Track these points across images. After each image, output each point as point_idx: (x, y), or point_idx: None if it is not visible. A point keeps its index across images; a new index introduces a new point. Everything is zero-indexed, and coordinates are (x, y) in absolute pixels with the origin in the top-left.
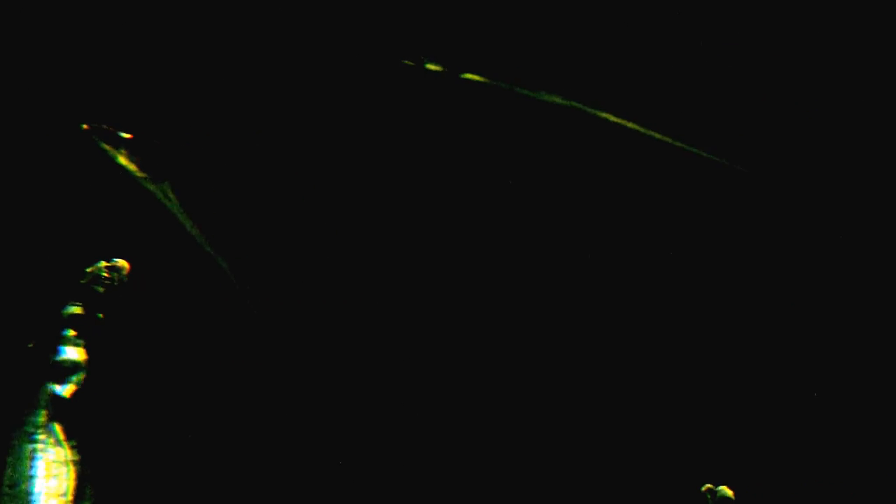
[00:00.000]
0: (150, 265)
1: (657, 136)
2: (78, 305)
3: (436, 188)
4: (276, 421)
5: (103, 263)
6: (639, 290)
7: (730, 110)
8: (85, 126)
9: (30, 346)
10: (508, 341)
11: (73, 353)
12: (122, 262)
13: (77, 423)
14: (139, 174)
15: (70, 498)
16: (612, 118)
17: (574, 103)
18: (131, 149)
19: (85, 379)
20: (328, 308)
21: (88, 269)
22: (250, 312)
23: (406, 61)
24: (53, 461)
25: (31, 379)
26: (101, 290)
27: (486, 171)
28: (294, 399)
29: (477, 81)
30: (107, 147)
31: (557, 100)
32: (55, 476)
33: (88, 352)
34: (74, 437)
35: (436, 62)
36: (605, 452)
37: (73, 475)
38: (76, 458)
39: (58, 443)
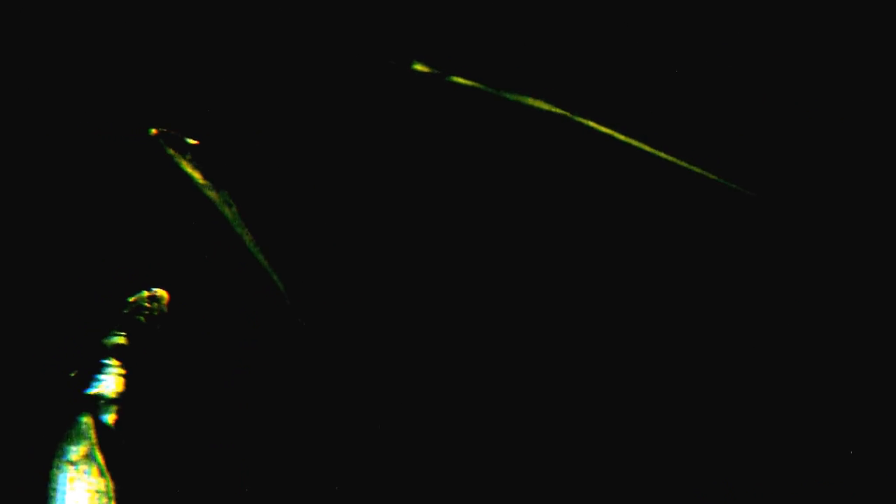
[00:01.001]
0: (201, 274)
1: (643, 146)
2: (120, 335)
3: (422, 190)
4: (322, 456)
5: (145, 293)
6: (617, 299)
7: (719, 124)
8: (154, 131)
9: (72, 375)
10: (488, 346)
11: (114, 382)
12: (161, 292)
13: (119, 452)
14: (202, 181)
15: None
16: (599, 127)
17: (560, 110)
18: (196, 155)
19: (126, 408)
20: (374, 326)
21: (131, 299)
22: (299, 328)
23: (392, 62)
24: (95, 491)
25: (73, 408)
26: (142, 320)
27: (468, 174)
28: (338, 426)
29: (463, 84)
30: (172, 152)
31: (543, 106)
32: None
33: (130, 381)
34: (116, 466)
35: (424, 63)
36: (599, 453)
37: None
38: (117, 487)
39: (100, 472)
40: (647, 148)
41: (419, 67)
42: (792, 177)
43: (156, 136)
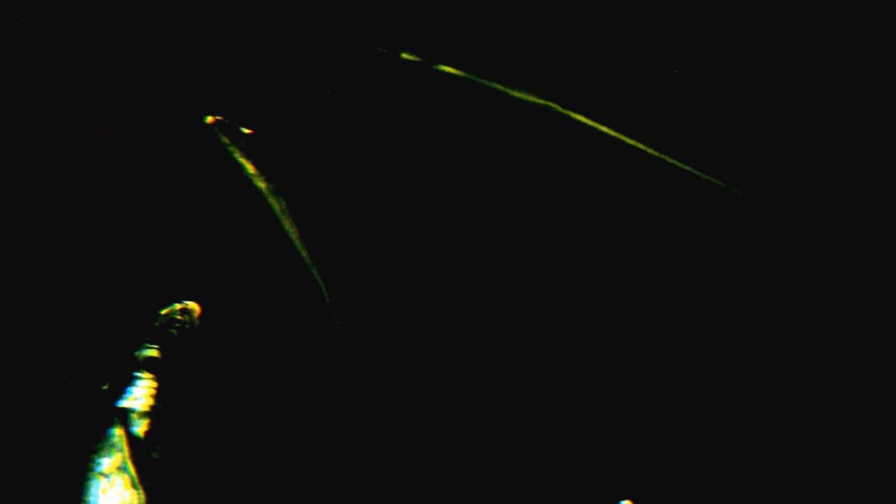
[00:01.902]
0: (243, 265)
1: (628, 140)
2: (152, 348)
3: (411, 181)
4: (352, 469)
5: (177, 306)
6: (599, 292)
7: (706, 120)
8: (210, 119)
9: (104, 387)
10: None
11: (146, 394)
12: (193, 305)
13: (150, 464)
14: (252, 171)
15: None
16: (586, 121)
17: (548, 103)
18: (249, 145)
19: (158, 420)
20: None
21: (162, 312)
22: (335, 327)
23: (381, 49)
24: (127, 502)
25: (105, 420)
26: (174, 332)
27: (454, 164)
28: (367, 437)
29: (451, 74)
30: (227, 141)
31: (532, 98)
32: None
33: (161, 393)
34: (147, 478)
35: (412, 52)
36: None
37: None
38: (148, 499)
39: (132, 484)
40: (631, 142)
41: (407, 56)
42: (778, 175)
43: (211, 124)
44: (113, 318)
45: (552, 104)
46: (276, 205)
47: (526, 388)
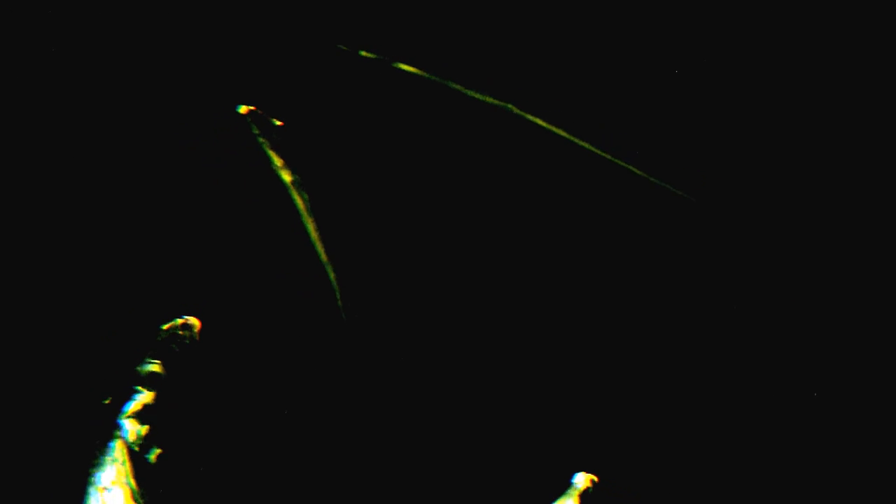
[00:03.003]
0: (257, 261)
1: (584, 144)
2: (154, 363)
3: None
4: (363, 479)
5: (178, 321)
6: (548, 295)
7: (662, 127)
8: (243, 109)
9: (105, 402)
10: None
11: (147, 409)
12: (194, 321)
13: (151, 478)
14: (279, 162)
15: None
16: (543, 123)
17: (505, 104)
18: (279, 137)
19: (158, 434)
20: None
21: (164, 327)
22: (345, 332)
23: (341, 46)
24: None
25: (106, 434)
26: (175, 348)
27: (409, 162)
28: (378, 439)
29: (410, 72)
30: (258, 132)
31: (490, 99)
32: None
33: (162, 408)
34: (148, 492)
35: (371, 50)
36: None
37: None
38: None
39: (133, 498)
40: (586, 145)
41: (366, 54)
42: (731, 182)
43: (245, 114)
44: (115, 332)
45: (509, 105)
46: (299, 199)
47: (489, 385)
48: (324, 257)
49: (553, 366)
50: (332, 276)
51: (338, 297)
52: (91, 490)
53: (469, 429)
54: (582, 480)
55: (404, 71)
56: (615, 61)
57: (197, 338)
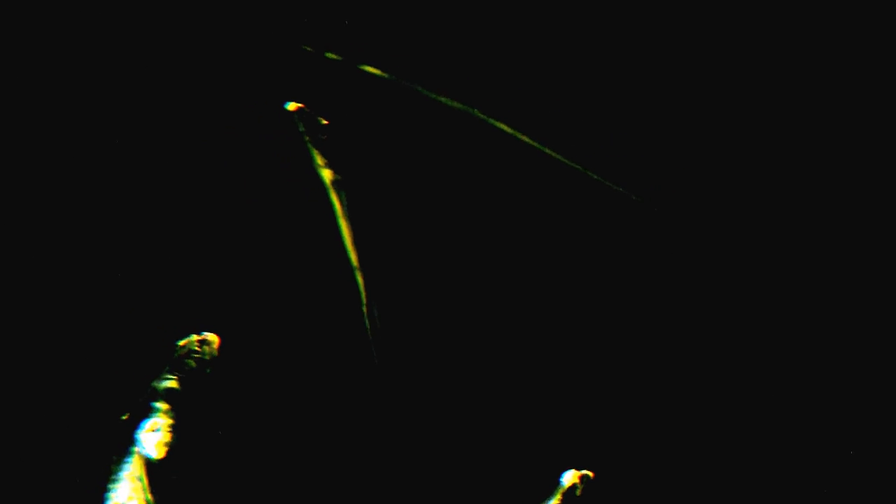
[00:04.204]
0: (288, 259)
1: (547, 151)
2: (171, 378)
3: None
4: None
5: (195, 337)
6: (507, 292)
7: (615, 130)
8: (292, 106)
9: (123, 417)
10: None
11: (164, 425)
12: (212, 337)
13: (169, 493)
14: (321, 161)
15: None
16: (506, 128)
17: (468, 108)
18: (323, 135)
19: (176, 449)
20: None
21: (181, 343)
22: (373, 334)
23: (306, 47)
24: None
25: (124, 450)
26: (192, 364)
27: (371, 164)
28: (395, 450)
29: (375, 74)
30: (303, 128)
31: (454, 103)
32: None
33: (180, 424)
34: (161, 499)
35: (336, 52)
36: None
37: None
38: None
39: (145, 500)
40: (547, 150)
41: (331, 56)
42: (678, 182)
43: (294, 111)
44: (132, 350)
45: (473, 109)
46: (336, 200)
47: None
48: (354, 261)
49: (540, 364)
50: (360, 281)
51: (364, 303)
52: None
53: (464, 429)
54: (569, 478)
55: (369, 73)
56: (580, 67)
57: (216, 353)
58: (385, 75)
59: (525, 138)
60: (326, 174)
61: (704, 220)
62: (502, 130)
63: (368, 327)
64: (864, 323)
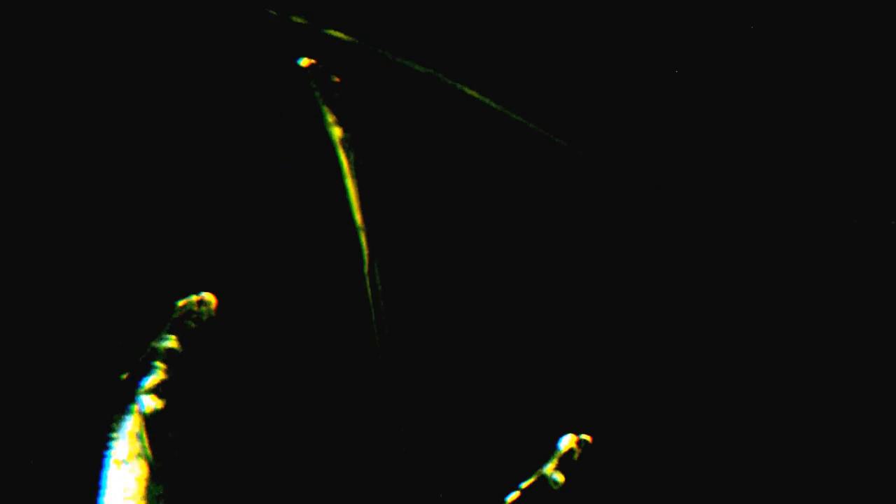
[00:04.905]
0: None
1: (510, 114)
2: (171, 338)
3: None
4: (363, 461)
5: (194, 298)
6: (471, 254)
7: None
8: (305, 62)
9: (123, 377)
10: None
11: (164, 384)
12: (209, 297)
13: (169, 452)
14: (331, 119)
15: None
16: (470, 91)
17: (432, 71)
18: (335, 93)
19: (176, 409)
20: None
21: (180, 304)
22: (374, 297)
23: (271, 11)
24: (145, 490)
25: (124, 409)
26: (192, 325)
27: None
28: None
29: (340, 38)
30: (315, 86)
31: (418, 67)
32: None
33: (179, 383)
34: (165, 466)
35: (302, 16)
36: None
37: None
38: (166, 487)
39: (150, 472)
40: (508, 112)
41: (297, 19)
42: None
43: (306, 67)
44: (132, 310)
45: (436, 72)
46: (345, 158)
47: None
48: (359, 221)
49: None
50: (363, 240)
51: (365, 263)
52: (109, 464)
53: (462, 394)
54: (566, 443)
55: (333, 37)
56: (544, 32)
57: (213, 313)
58: (349, 38)
59: (489, 101)
60: (336, 132)
61: (693, 198)
62: (465, 93)
63: (369, 289)
64: (861, 319)
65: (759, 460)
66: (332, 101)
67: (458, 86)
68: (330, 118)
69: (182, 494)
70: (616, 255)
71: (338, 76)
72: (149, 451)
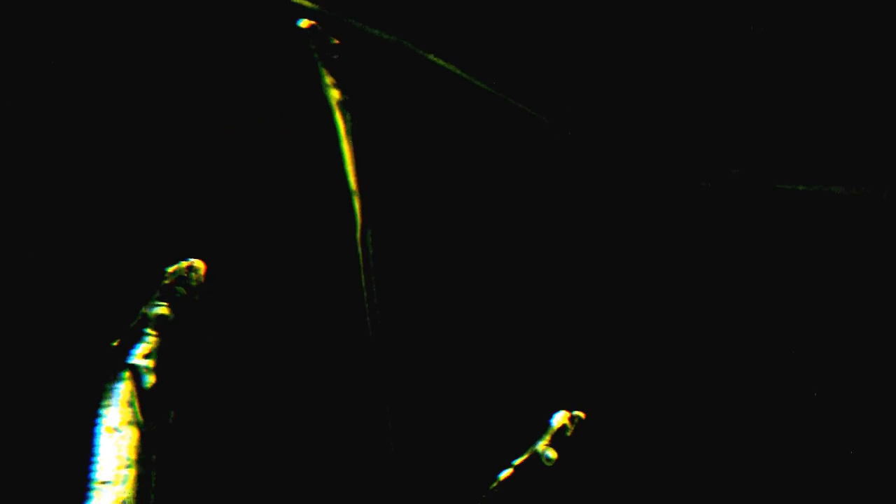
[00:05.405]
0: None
1: (476, 82)
2: (162, 305)
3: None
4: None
5: (184, 264)
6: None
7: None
8: (304, 23)
9: (113, 344)
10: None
11: (155, 351)
12: (199, 263)
13: (160, 419)
14: (330, 80)
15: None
16: (437, 60)
17: (401, 40)
18: (334, 55)
19: (167, 376)
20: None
21: (169, 270)
22: (365, 259)
23: None
24: (137, 457)
25: (115, 376)
26: (182, 291)
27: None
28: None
29: (305, 6)
30: (315, 48)
31: (385, 35)
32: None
33: (170, 350)
34: (157, 433)
35: None
36: None
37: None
38: (158, 453)
39: (141, 439)
40: (482, 84)
41: None
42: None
43: (306, 28)
44: (122, 278)
45: (403, 41)
46: (341, 121)
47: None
48: (353, 185)
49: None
50: (357, 206)
51: (357, 228)
52: (101, 431)
53: (454, 368)
54: (559, 419)
55: (296, 4)
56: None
57: (203, 280)
58: (314, 6)
59: (454, 69)
60: (334, 94)
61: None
62: (432, 61)
63: (360, 253)
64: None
65: (749, 431)
66: (330, 64)
67: (423, 53)
68: (328, 80)
69: (174, 461)
70: (605, 232)
71: (337, 38)
72: (141, 418)
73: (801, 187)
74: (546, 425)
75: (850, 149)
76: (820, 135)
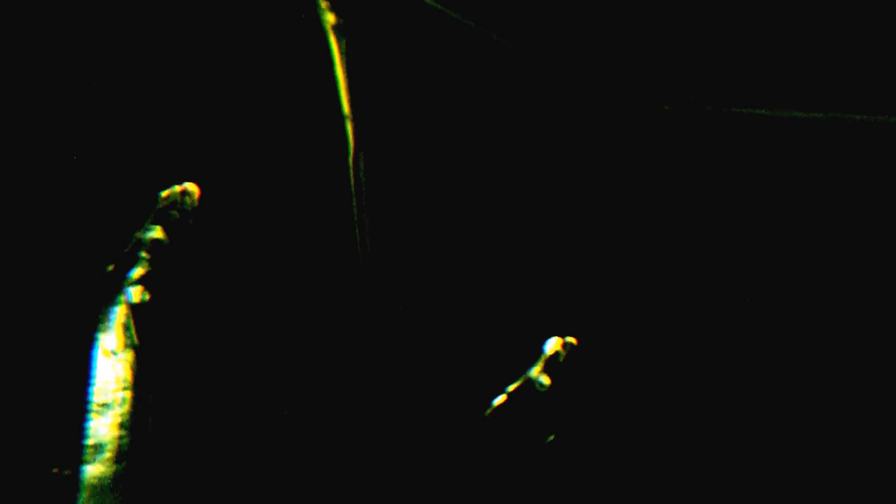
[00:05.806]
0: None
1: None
2: (156, 229)
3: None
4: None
5: (177, 188)
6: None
7: None
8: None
9: (109, 268)
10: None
11: (151, 275)
12: (192, 187)
13: (157, 342)
14: (325, 5)
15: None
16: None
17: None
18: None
19: (163, 300)
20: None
21: (163, 194)
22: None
23: None
24: (133, 380)
25: (111, 300)
26: (175, 214)
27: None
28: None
29: None
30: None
31: None
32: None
33: (166, 274)
34: (153, 356)
35: None
36: None
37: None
38: (154, 376)
39: (138, 362)
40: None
41: None
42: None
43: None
44: (117, 202)
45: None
46: (335, 44)
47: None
48: (346, 109)
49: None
50: (350, 130)
51: (350, 153)
52: (97, 355)
53: (448, 299)
54: (552, 345)
55: None
56: None
57: (196, 203)
58: None
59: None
60: (329, 18)
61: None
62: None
63: (352, 179)
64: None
65: (728, 354)
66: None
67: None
68: (323, 3)
69: (169, 384)
70: (582, 159)
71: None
72: (136, 341)
73: (760, 111)
74: (539, 352)
75: (808, 74)
76: (776, 61)
